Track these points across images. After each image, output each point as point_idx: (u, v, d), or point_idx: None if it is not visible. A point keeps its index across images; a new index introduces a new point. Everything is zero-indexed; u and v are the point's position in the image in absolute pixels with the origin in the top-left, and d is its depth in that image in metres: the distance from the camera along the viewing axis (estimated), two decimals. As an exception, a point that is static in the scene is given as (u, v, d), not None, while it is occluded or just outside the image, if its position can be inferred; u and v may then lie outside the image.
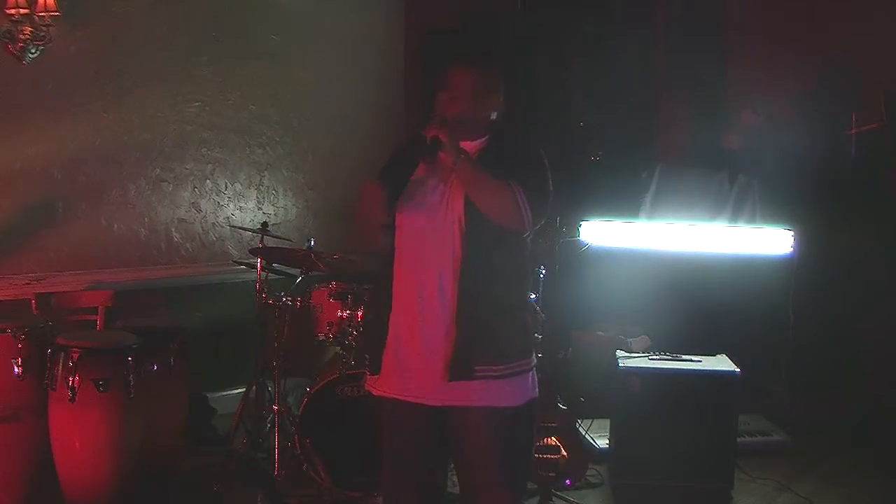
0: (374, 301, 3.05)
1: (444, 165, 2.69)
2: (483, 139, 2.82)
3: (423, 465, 2.83)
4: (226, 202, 5.65)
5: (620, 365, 4.49)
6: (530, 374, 2.81)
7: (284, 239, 4.80)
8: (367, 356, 2.94)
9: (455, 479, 2.88)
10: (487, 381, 2.70)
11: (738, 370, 4.42)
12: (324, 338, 4.27)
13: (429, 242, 2.74)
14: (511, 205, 2.68)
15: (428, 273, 2.72)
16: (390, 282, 2.80)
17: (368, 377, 2.88)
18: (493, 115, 2.83)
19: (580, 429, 4.59)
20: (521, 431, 2.80)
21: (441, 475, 2.91)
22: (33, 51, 4.65)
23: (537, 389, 2.83)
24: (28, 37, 4.60)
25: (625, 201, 5.58)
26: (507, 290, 2.80)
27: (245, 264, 4.92)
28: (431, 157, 2.68)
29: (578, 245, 4.85)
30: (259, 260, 4.59)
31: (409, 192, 2.79)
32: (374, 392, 2.84)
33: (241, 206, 5.71)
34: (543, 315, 4.73)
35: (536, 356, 2.88)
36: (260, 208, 5.77)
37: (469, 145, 2.76)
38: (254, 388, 4.67)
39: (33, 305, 4.43)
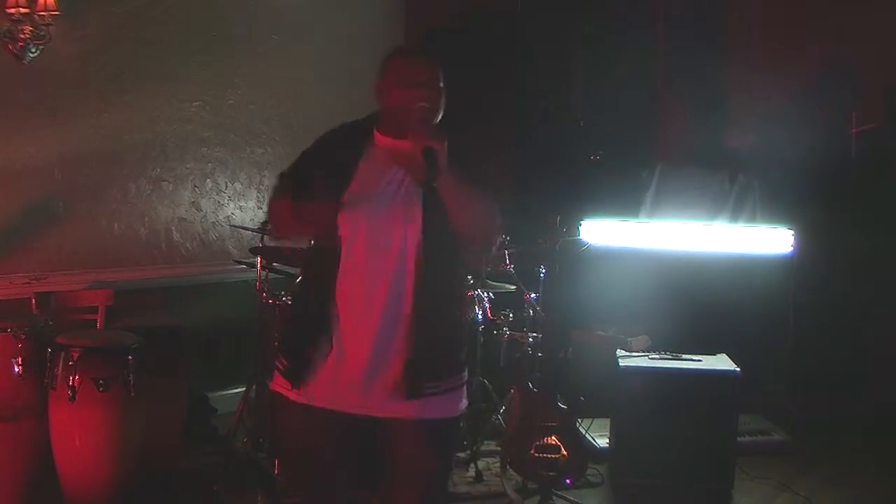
0: (305, 305, 2.78)
1: (412, 174, 2.52)
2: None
3: (346, 477, 2.79)
4: (226, 201, 5.65)
5: (620, 365, 4.50)
6: (465, 386, 2.79)
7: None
8: (290, 363, 2.70)
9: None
10: (433, 398, 2.65)
11: (738, 370, 4.42)
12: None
13: (381, 254, 2.58)
14: (492, 218, 2.59)
15: (380, 285, 2.58)
16: (331, 288, 2.63)
17: (288, 384, 2.69)
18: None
19: (580, 428, 4.59)
20: (452, 441, 2.82)
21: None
22: (33, 50, 4.65)
23: (466, 401, 2.82)
24: (28, 36, 4.59)
25: (625, 201, 5.58)
26: (456, 306, 2.76)
27: (245, 264, 4.92)
28: (433, 173, 2.39)
29: (578, 245, 4.85)
30: (259, 259, 4.59)
31: (359, 196, 2.59)
32: (302, 401, 2.66)
33: (242, 206, 5.71)
34: (543, 315, 4.75)
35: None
36: (260, 208, 5.77)
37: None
38: (254, 387, 4.66)
39: (33, 305, 4.42)
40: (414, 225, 2.57)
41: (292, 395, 2.68)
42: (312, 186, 2.56)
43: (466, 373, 2.80)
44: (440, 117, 2.60)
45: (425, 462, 2.71)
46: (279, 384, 2.73)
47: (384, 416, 2.66)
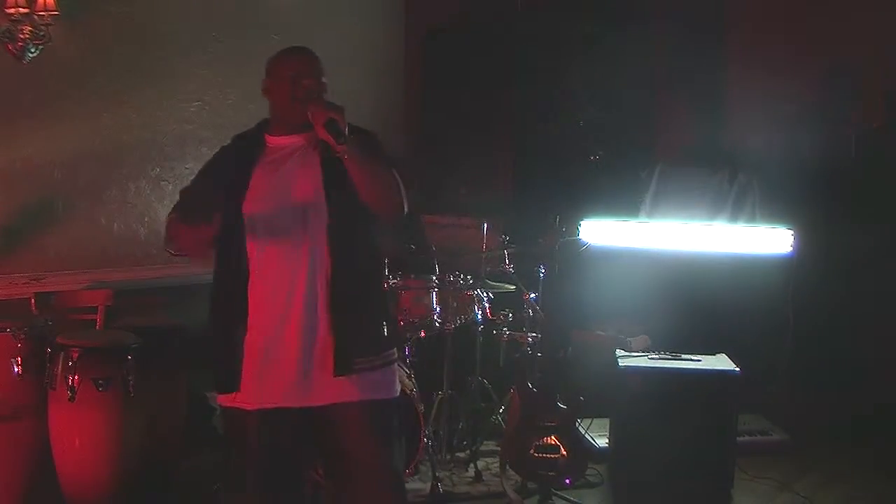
0: (217, 307, 2.92)
1: (304, 154, 2.70)
2: None
3: (295, 472, 2.82)
4: (226, 202, 5.64)
5: (620, 364, 4.49)
6: (396, 364, 2.87)
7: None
8: (224, 373, 2.80)
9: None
10: (365, 374, 2.71)
11: (738, 370, 4.41)
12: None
13: (291, 247, 2.69)
14: (396, 188, 2.70)
15: (292, 270, 2.69)
16: (242, 284, 2.74)
17: (233, 395, 2.75)
18: None
19: (580, 428, 4.59)
20: (395, 421, 2.85)
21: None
22: (33, 50, 4.65)
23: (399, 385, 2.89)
24: (28, 36, 4.59)
25: (625, 201, 5.58)
26: (372, 277, 2.84)
27: (245, 264, 4.91)
28: (340, 139, 2.56)
29: (578, 245, 4.85)
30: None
31: (259, 198, 2.72)
32: (249, 407, 2.72)
33: (241, 206, 5.70)
34: (543, 315, 4.75)
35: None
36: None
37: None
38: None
39: (33, 304, 4.42)
40: (319, 211, 2.68)
41: (238, 403, 2.74)
42: (211, 199, 2.68)
43: (395, 351, 2.87)
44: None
45: (369, 445, 2.75)
46: (226, 399, 2.78)
47: (326, 404, 2.70)
